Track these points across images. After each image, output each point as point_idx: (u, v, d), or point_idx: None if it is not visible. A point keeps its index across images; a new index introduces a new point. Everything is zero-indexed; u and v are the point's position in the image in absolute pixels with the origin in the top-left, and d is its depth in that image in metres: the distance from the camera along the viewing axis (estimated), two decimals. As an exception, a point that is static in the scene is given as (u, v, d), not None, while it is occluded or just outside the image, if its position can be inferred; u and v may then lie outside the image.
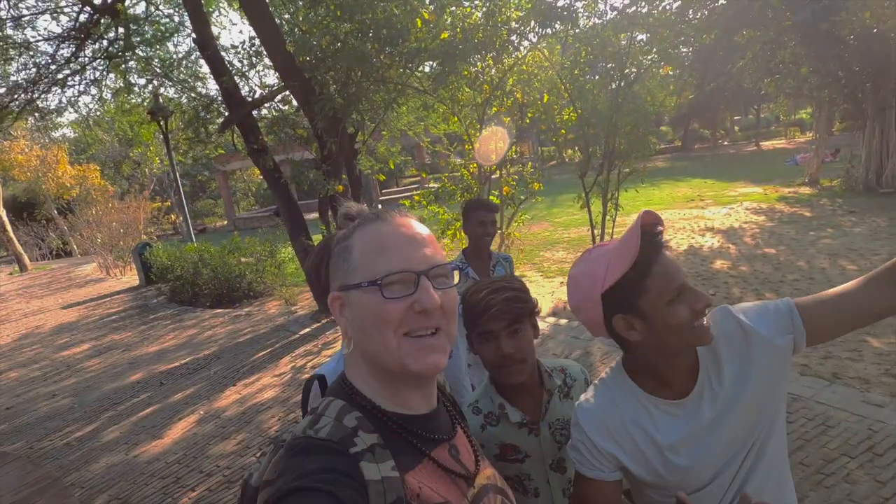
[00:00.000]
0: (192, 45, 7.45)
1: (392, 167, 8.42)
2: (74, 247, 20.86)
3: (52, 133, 17.10)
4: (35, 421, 4.96)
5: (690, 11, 8.83)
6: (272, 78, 9.34)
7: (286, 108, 7.38)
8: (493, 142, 5.65)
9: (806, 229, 8.01)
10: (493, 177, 6.22)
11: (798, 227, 8.26)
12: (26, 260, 18.56)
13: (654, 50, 5.51)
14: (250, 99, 6.56)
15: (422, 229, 0.73)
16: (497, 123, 5.97)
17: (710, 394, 0.96)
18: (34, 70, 8.64)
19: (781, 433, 1.01)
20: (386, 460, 0.64)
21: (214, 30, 8.36)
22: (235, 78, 6.48)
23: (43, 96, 9.13)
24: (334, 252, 0.74)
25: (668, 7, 5.96)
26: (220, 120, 7.08)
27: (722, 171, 17.19)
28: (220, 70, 6.23)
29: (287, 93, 6.40)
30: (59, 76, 8.68)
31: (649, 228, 0.92)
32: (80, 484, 3.67)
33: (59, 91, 8.99)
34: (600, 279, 0.92)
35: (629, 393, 1.00)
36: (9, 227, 18.04)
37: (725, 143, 30.37)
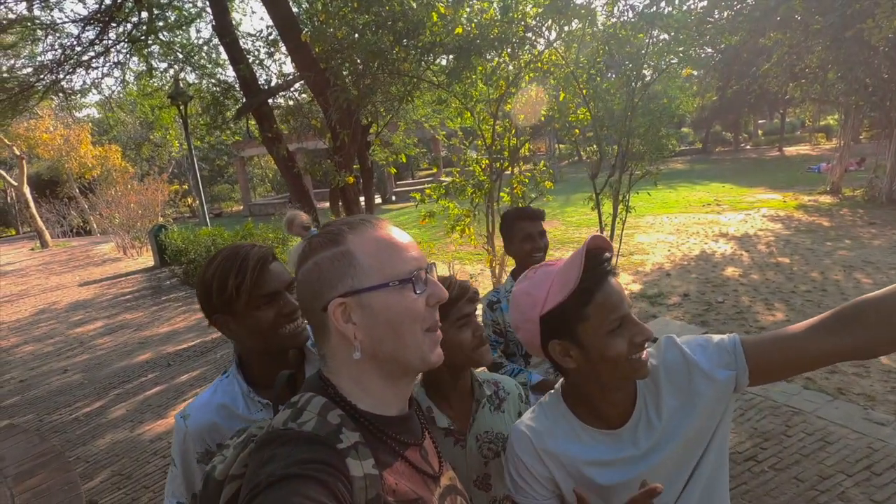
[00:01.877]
0: (212, 31, 7.52)
1: (405, 160, 8.43)
2: (94, 225, 21.31)
3: (76, 113, 17.42)
4: (46, 395, 5.12)
5: (716, 12, 8.65)
6: (289, 66, 9.38)
7: (302, 97, 7.43)
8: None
9: (823, 239, 7.85)
10: (506, 173, 6.17)
11: (815, 236, 8.09)
12: (47, 236, 19.01)
13: (676, 51, 5.41)
14: (266, 87, 6.61)
15: (405, 233, 0.78)
16: (511, 119, 5.92)
17: (645, 425, 0.94)
18: (60, 51, 8.79)
19: (723, 467, 0.99)
20: (367, 458, 0.66)
21: (236, 16, 8.44)
22: (253, 66, 6.53)
23: (68, 77, 9.29)
24: (319, 261, 0.72)
25: (691, 7, 5.84)
26: (238, 106, 7.16)
27: (741, 176, 16.88)
28: (238, 58, 6.29)
29: (303, 82, 6.43)
30: (84, 58, 8.83)
31: (597, 253, 0.89)
32: (84, 458, 3.78)
33: (83, 72, 9.17)
34: (540, 301, 0.91)
35: (563, 419, 0.98)
36: (32, 204, 18.47)
37: (747, 146, 29.75)
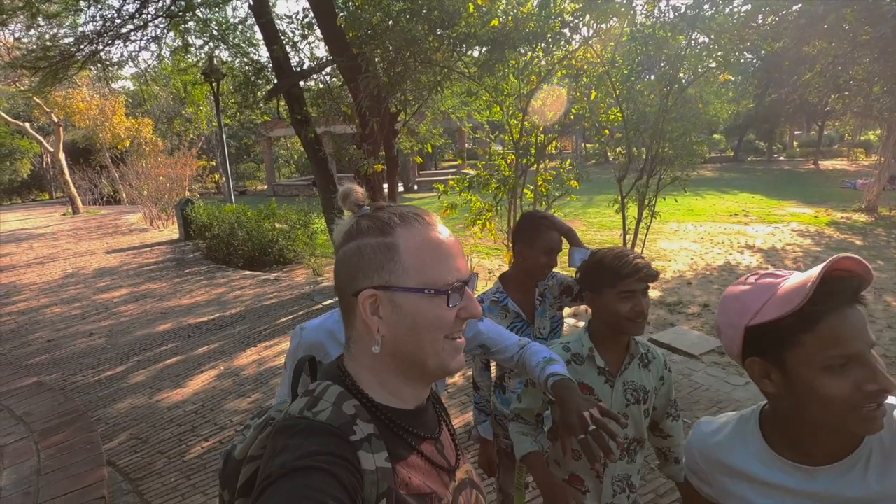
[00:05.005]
0: (249, 11, 7.59)
1: (430, 150, 8.43)
2: (123, 195, 21.82)
3: (112, 84, 17.78)
4: (71, 356, 5.30)
5: (760, 17, 8.38)
6: (322, 50, 9.42)
7: (333, 80, 7.46)
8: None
9: (854, 258, 7.61)
10: (531, 169, 6.12)
11: (846, 254, 7.86)
12: (79, 203, 19.56)
13: (715, 55, 5.27)
14: (298, 69, 6.65)
15: (454, 237, 0.77)
16: (540, 116, 5.86)
17: (858, 477, 0.80)
18: (100, 22, 8.98)
19: None
20: (380, 451, 0.66)
21: (272, -3, 8.47)
22: (286, 48, 6.58)
23: (106, 48, 9.49)
24: (362, 246, 0.71)
25: (735, 10, 5.68)
26: (269, 87, 7.22)
27: (773, 188, 16.44)
28: (273, 38, 6.34)
29: (334, 66, 6.46)
30: (123, 30, 9.00)
31: (842, 276, 0.74)
32: (104, 419, 3.92)
33: (121, 45, 9.35)
34: (751, 311, 0.80)
35: (750, 442, 0.88)
36: (66, 171, 19.01)
37: (781, 157, 28.90)
